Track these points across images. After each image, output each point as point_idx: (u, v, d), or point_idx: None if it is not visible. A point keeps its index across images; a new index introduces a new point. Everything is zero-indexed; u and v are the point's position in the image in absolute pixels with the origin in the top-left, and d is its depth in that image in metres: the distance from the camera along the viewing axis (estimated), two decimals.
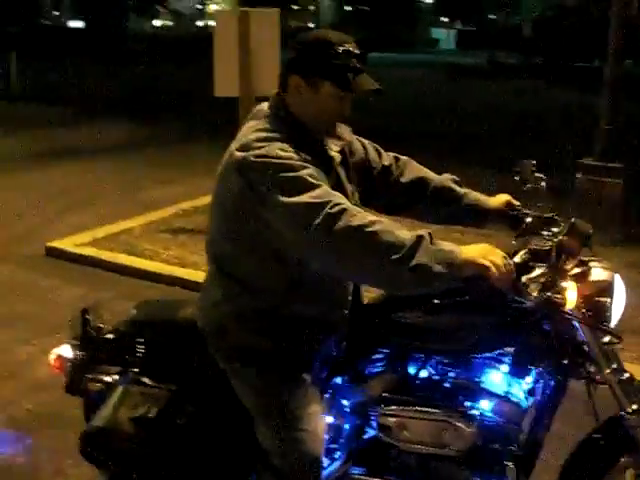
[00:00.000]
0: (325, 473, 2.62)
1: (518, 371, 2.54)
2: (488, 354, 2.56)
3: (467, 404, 2.51)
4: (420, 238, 2.17)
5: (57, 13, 59.36)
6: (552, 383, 2.54)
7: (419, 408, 2.53)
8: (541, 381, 2.55)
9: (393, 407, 2.56)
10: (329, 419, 2.66)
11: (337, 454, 2.69)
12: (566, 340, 2.43)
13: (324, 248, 2.24)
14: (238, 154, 2.32)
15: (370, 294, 2.80)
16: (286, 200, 2.23)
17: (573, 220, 2.46)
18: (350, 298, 2.62)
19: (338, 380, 2.69)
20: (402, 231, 2.20)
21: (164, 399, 2.75)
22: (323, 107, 2.42)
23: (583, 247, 2.46)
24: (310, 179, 2.26)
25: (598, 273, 2.44)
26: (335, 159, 2.53)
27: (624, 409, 2.42)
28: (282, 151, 2.29)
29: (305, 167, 2.28)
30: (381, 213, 2.88)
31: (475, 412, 2.50)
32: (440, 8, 63.87)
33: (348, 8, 65.27)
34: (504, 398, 2.53)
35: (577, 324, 2.39)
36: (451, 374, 2.59)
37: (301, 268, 2.42)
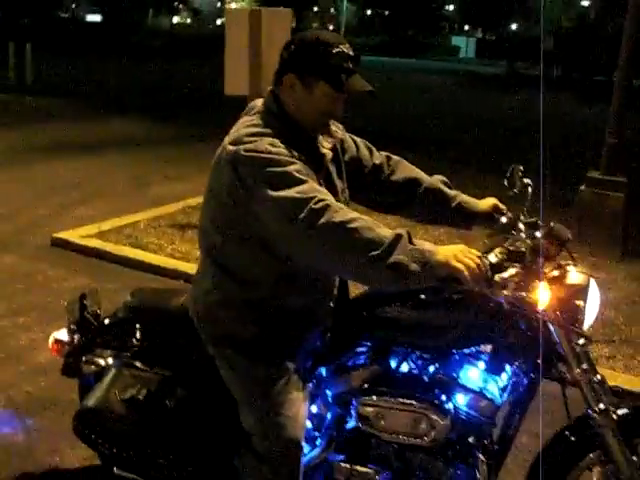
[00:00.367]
0: (306, 459, 2.73)
1: (494, 368, 2.64)
2: (466, 350, 2.65)
3: (443, 398, 2.60)
4: (399, 237, 2.25)
5: (74, 6, 59.58)
6: (525, 381, 2.63)
7: (396, 399, 2.62)
8: (515, 379, 2.64)
9: (372, 398, 2.66)
10: (313, 408, 2.77)
11: (318, 441, 2.80)
12: (539, 340, 2.52)
13: (307, 242, 2.33)
14: (230, 148, 2.42)
15: (357, 289, 2.90)
16: (273, 194, 2.32)
17: (552, 224, 2.56)
18: (336, 292, 2.72)
19: (322, 370, 2.78)
20: (382, 229, 2.29)
21: (154, 382, 2.87)
22: (316, 106, 2.50)
23: (561, 251, 2.56)
24: (297, 174, 2.35)
25: (574, 277, 2.52)
26: (326, 156, 2.63)
27: (591, 408, 2.51)
28: (272, 146, 2.38)
29: (293, 163, 2.37)
30: (374, 211, 3.01)
31: (450, 406, 2.59)
32: (462, 16, 63.86)
33: (369, 11, 65.44)
34: (479, 393, 2.62)
35: (549, 324, 2.48)
36: (430, 368, 2.68)
37: (289, 261, 2.51)
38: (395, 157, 2.94)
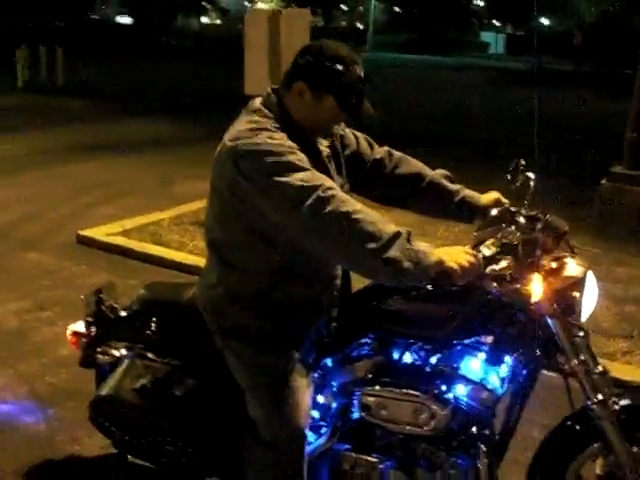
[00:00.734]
0: (311, 448, 2.80)
1: (494, 359, 2.68)
2: (467, 341, 2.70)
3: (443, 388, 2.65)
4: (398, 234, 2.31)
5: (104, 8, 60.16)
6: (525, 372, 2.68)
7: (397, 390, 2.69)
8: (515, 370, 2.69)
9: (374, 388, 2.73)
10: (319, 398, 2.84)
11: (324, 430, 2.86)
12: (537, 331, 2.57)
13: (310, 229, 2.38)
14: (229, 144, 2.49)
15: (361, 282, 2.96)
16: (276, 182, 2.37)
17: (548, 217, 2.60)
18: (339, 282, 2.79)
19: (327, 361, 2.85)
20: (385, 224, 2.34)
21: (165, 372, 2.96)
22: (321, 117, 2.58)
23: (558, 244, 2.60)
24: (298, 163, 2.41)
25: (571, 269, 2.55)
26: (323, 153, 2.70)
27: (589, 399, 2.54)
28: (270, 139, 2.44)
29: (293, 152, 2.43)
30: (378, 204, 3.07)
31: (450, 396, 2.65)
32: (491, 11, 63.47)
33: (397, 9, 65.26)
34: (480, 384, 2.67)
35: (547, 316, 2.53)
36: (431, 360, 2.74)
37: (290, 252, 2.58)
38: (397, 152, 3.00)
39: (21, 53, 20.55)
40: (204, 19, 69.49)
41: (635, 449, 2.57)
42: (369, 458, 2.81)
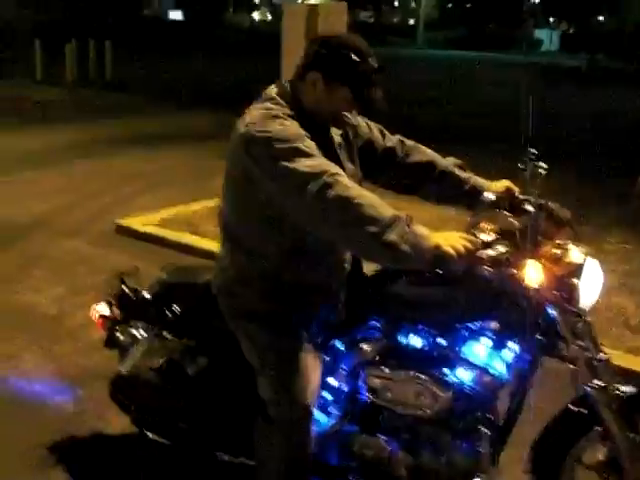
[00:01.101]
0: (321, 428, 2.89)
1: (498, 344, 2.74)
2: (471, 326, 2.75)
3: (446, 372, 2.72)
4: (397, 218, 2.38)
5: (157, 4, 60.73)
6: (528, 358, 2.72)
7: (401, 372, 2.76)
8: (518, 355, 2.74)
9: (379, 370, 2.81)
10: (331, 380, 2.93)
11: (333, 411, 2.95)
12: (538, 317, 2.62)
13: (315, 213, 2.46)
14: (242, 129, 2.59)
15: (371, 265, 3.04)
16: (283, 167, 2.45)
17: (551, 204, 2.65)
18: (347, 266, 2.86)
19: (337, 344, 2.93)
20: (385, 209, 2.42)
21: (180, 352, 3.09)
22: (334, 107, 2.66)
23: (559, 231, 2.65)
24: (306, 149, 2.49)
25: (572, 256, 2.59)
26: (335, 141, 2.78)
27: (588, 385, 2.58)
28: (280, 126, 2.53)
29: (302, 139, 2.51)
30: (393, 191, 3.14)
31: (452, 380, 2.71)
32: (546, 8, 62.60)
33: (449, 4, 64.80)
34: (483, 369, 2.72)
35: (546, 302, 2.57)
36: (435, 343, 2.79)
37: (299, 237, 2.66)
38: (410, 141, 3.06)
39: (70, 48, 20.93)
40: (255, 15, 69.83)
41: (633, 435, 2.60)
42: (376, 440, 2.88)
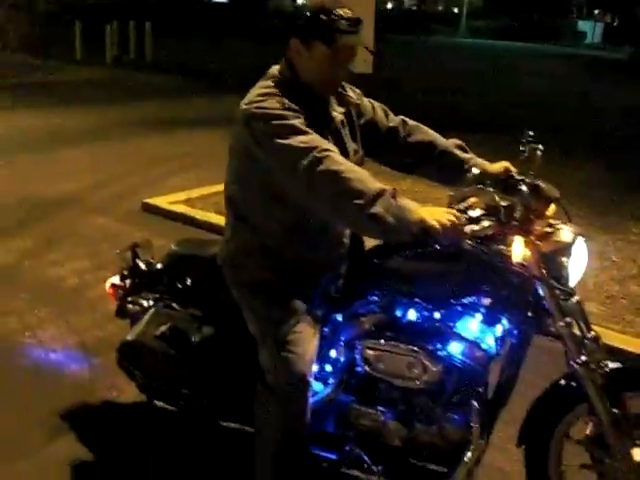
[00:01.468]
0: (317, 397, 2.98)
1: (490, 319, 2.79)
2: (465, 301, 2.80)
3: (437, 345, 2.79)
4: (383, 191, 2.46)
5: None
6: (518, 334, 2.78)
7: (394, 344, 2.83)
8: (509, 331, 2.80)
9: (373, 342, 2.88)
10: (328, 351, 3.01)
11: (330, 381, 3.04)
12: (527, 293, 2.67)
13: (307, 188, 2.55)
14: (243, 107, 2.69)
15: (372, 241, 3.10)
16: (278, 143, 2.55)
17: (539, 183, 2.69)
18: (347, 240, 2.94)
19: (336, 316, 3.01)
20: (372, 183, 2.50)
21: (185, 321, 3.19)
22: (318, 68, 2.70)
23: (547, 208, 2.69)
24: (301, 126, 2.57)
25: (562, 235, 2.64)
26: (336, 119, 2.85)
27: (573, 360, 2.63)
28: (278, 103, 2.62)
29: (297, 117, 2.60)
30: (393, 170, 3.21)
31: (443, 353, 2.78)
32: (591, 0, 61.77)
33: None
34: (474, 343, 2.78)
35: (534, 279, 2.62)
36: (428, 317, 2.85)
37: (298, 212, 2.74)
38: (412, 121, 3.11)
39: (110, 28, 21.16)
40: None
41: (618, 411, 2.64)
42: (371, 410, 2.96)
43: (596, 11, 64.60)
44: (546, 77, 22.54)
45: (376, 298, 2.95)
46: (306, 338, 2.84)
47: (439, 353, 2.78)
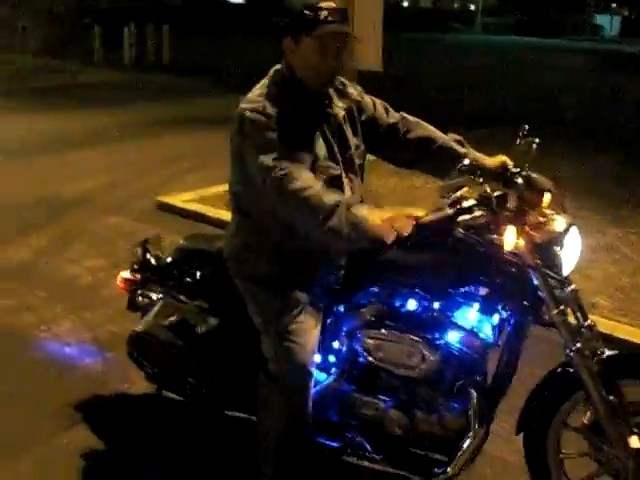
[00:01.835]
0: (319, 387, 3.06)
1: (486, 309, 2.86)
2: (462, 290, 2.87)
3: (435, 334, 2.85)
4: (338, 204, 2.61)
5: None
6: (515, 323, 2.84)
7: (393, 334, 2.90)
8: (506, 320, 2.86)
9: (373, 332, 2.95)
10: (330, 341, 3.08)
11: (332, 371, 3.11)
12: (522, 283, 2.72)
13: (273, 203, 2.75)
14: (240, 106, 2.79)
15: None
16: (255, 158, 2.72)
17: (532, 174, 2.76)
18: None
19: (339, 308, 3.08)
20: (328, 196, 2.64)
21: (192, 312, 3.28)
22: (309, 61, 2.78)
23: (541, 200, 2.75)
24: (277, 141, 2.69)
25: (555, 224, 2.70)
26: (338, 115, 2.93)
27: (568, 347, 2.69)
28: (272, 107, 2.73)
29: (281, 127, 2.71)
30: (393, 165, 3.28)
31: (441, 342, 2.84)
32: None
33: None
34: (471, 332, 2.85)
35: (529, 268, 2.68)
36: (427, 308, 2.92)
37: None
38: (412, 117, 3.17)
39: (128, 31, 21.33)
40: None
41: (613, 398, 2.69)
42: (372, 399, 3.03)
43: (613, 4, 64.10)
44: (561, 71, 22.45)
45: (376, 289, 3.02)
46: (307, 329, 2.91)
47: (438, 342, 2.85)
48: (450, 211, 2.67)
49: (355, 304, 3.05)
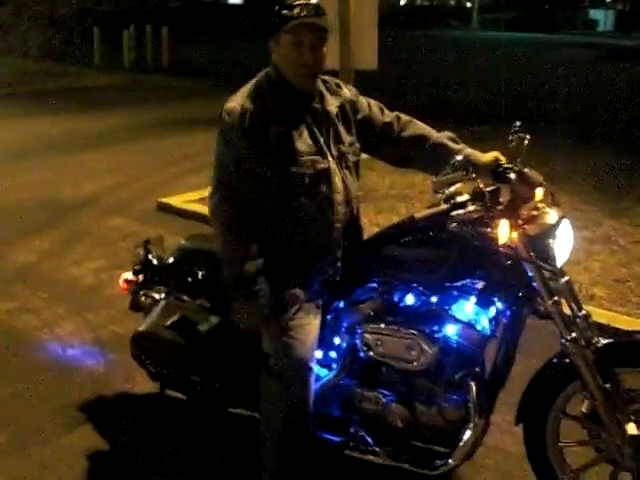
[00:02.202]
0: (320, 382, 3.09)
1: (483, 302, 2.89)
2: (459, 283, 2.90)
3: (433, 328, 2.89)
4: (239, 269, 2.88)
5: None
6: (511, 315, 2.88)
7: (392, 328, 2.93)
8: (503, 312, 2.90)
9: (372, 326, 2.98)
10: (331, 337, 3.12)
11: (333, 366, 3.14)
12: (518, 275, 2.75)
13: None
14: (224, 107, 2.93)
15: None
16: (215, 159, 2.99)
17: (524, 169, 2.79)
18: (339, 225, 3.00)
19: (339, 304, 3.12)
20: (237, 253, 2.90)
21: (194, 311, 3.32)
22: (287, 57, 2.85)
23: (533, 193, 2.78)
24: (235, 156, 2.91)
25: (547, 217, 2.74)
26: (330, 111, 2.97)
27: (563, 337, 2.72)
28: (250, 103, 2.87)
29: (258, 122, 2.84)
30: (388, 164, 3.31)
31: (439, 335, 2.88)
32: None
33: None
34: (469, 324, 2.89)
35: (523, 260, 2.71)
36: (425, 301, 2.96)
37: (278, 203, 2.90)
38: (405, 116, 3.20)
39: (128, 34, 21.38)
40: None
41: (609, 386, 2.72)
42: (373, 393, 3.07)
43: None
44: (557, 67, 22.42)
45: (375, 284, 3.06)
46: (307, 325, 2.95)
47: (436, 335, 2.88)
48: (444, 206, 2.71)
49: (354, 300, 3.08)
